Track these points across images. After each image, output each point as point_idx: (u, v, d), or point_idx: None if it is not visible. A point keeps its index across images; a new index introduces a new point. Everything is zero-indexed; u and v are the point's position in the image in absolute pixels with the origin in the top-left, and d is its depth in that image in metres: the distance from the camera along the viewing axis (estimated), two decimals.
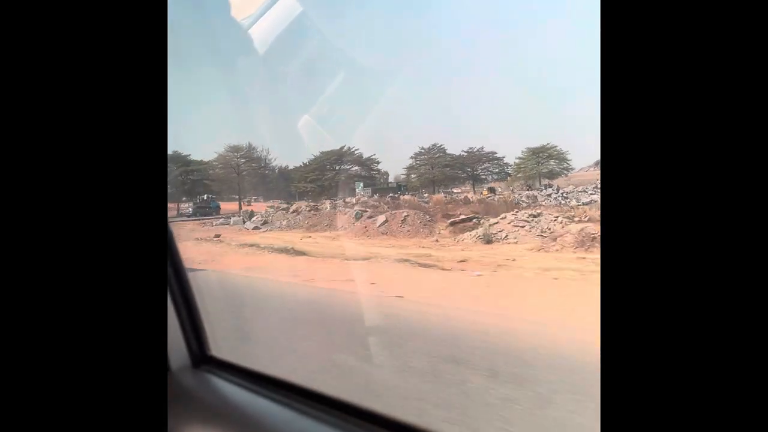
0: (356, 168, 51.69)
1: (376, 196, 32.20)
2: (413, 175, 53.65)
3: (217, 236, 16.82)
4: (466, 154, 52.65)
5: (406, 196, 34.03)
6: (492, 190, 40.14)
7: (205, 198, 42.13)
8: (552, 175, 48.55)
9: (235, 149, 47.74)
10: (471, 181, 52.71)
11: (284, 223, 22.16)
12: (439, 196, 34.80)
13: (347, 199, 31.63)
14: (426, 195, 38.45)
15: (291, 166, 53.14)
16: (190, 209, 36.07)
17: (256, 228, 22.02)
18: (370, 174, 51.86)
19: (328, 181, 49.30)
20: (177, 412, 1.13)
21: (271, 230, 21.50)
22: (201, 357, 1.42)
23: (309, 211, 25.02)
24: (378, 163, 51.60)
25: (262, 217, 27.64)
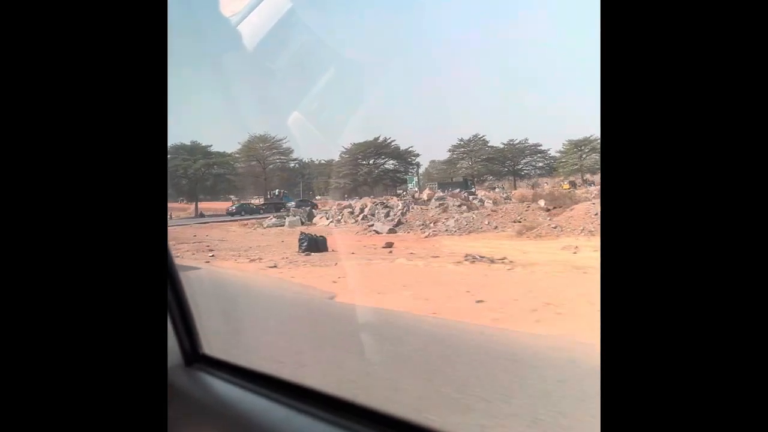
0: (392, 162, 46.33)
1: (446, 191, 26.92)
2: (448, 169, 48.58)
3: (389, 246, 10.99)
4: (505, 146, 47.60)
5: (482, 192, 28.93)
6: (573, 183, 35.21)
7: (276, 193, 37.44)
8: (594, 169, 43.77)
9: (260, 140, 41.98)
10: (512, 177, 47.56)
11: (450, 224, 15.49)
12: (522, 190, 29.63)
13: (417, 195, 26.43)
14: (496, 189, 33.34)
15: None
16: (294, 203, 30.56)
17: (391, 231, 15.66)
18: (406, 168, 46.60)
19: (363, 176, 43.97)
20: (170, 410, 1.11)
21: (435, 234, 14.54)
22: (193, 355, 1.43)
23: (460, 206, 19.58)
24: (417, 155, 46.28)
25: (328, 213, 22.30)
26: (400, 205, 23.12)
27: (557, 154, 46.54)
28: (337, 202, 25.74)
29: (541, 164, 48.54)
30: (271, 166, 43.35)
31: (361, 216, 21.70)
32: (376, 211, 22.26)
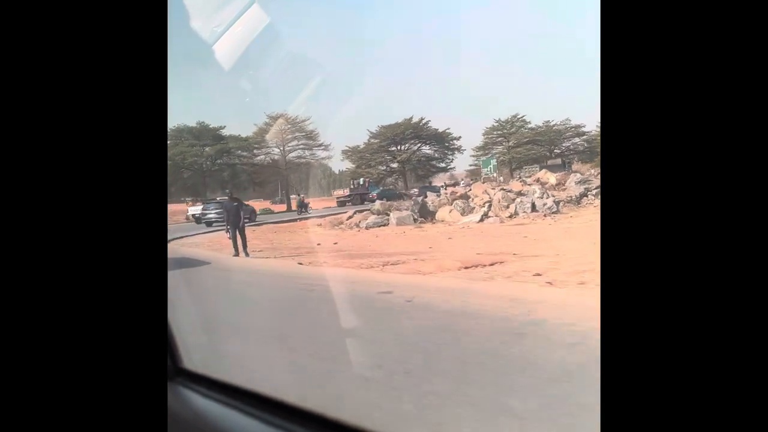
0: (427, 147, 39.46)
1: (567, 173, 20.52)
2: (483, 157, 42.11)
3: None
4: (542, 127, 41.66)
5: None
6: None
7: (361, 182, 32.01)
8: None
9: (284, 120, 33.90)
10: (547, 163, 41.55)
11: None
12: None
13: (543, 179, 19.89)
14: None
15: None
16: (417, 191, 26.58)
17: None
18: (444, 153, 39.87)
19: (400, 163, 36.92)
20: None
21: None
22: (174, 370, 1.41)
23: None
24: (457, 138, 39.53)
25: (457, 206, 15.41)
26: (537, 191, 16.59)
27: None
28: (450, 189, 18.87)
29: (581, 148, 42.84)
30: (294, 153, 35.49)
31: (512, 208, 14.95)
32: (516, 201, 15.59)
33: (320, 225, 18.09)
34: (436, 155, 39.47)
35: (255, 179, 33.20)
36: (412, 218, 15.94)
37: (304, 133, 34.60)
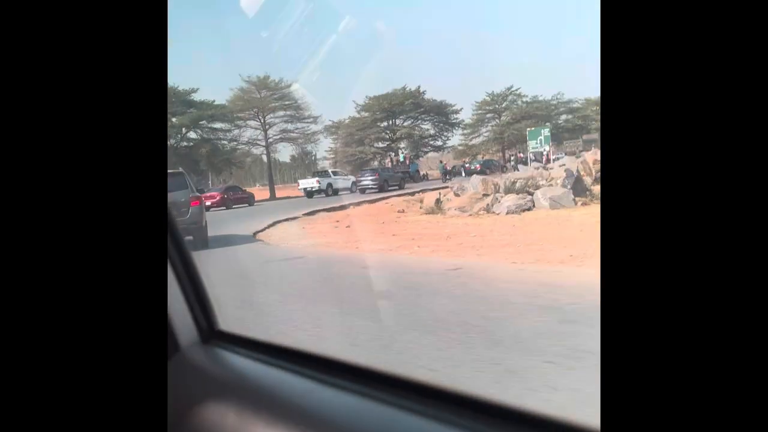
0: (422, 122, 34.05)
1: None
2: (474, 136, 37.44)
3: None
4: (536, 102, 37.91)
5: None
6: None
7: (402, 159, 28.58)
8: None
9: (261, 85, 26.64)
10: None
11: None
12: None
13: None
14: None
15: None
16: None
17: None
18: (442, 128, 34.68)
19: (397, 140, 31.17)
20: (189, 389, 1.14)
21: None
22: (210, 332, 1.39)
23: None
24: (458, 111, 34.39)
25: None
26: None
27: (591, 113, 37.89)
28: (592, 158, 13.66)
29: (570, 126, 39.49)
30: (274, 126, 28.41)
31: None
32: None
33: (403, 211, 12.38)
34: (433, 131, 34.23)
35: (234, 160, 26.04)
36: (571, 198, 10.67)
37: (289, 102, 27.92)
